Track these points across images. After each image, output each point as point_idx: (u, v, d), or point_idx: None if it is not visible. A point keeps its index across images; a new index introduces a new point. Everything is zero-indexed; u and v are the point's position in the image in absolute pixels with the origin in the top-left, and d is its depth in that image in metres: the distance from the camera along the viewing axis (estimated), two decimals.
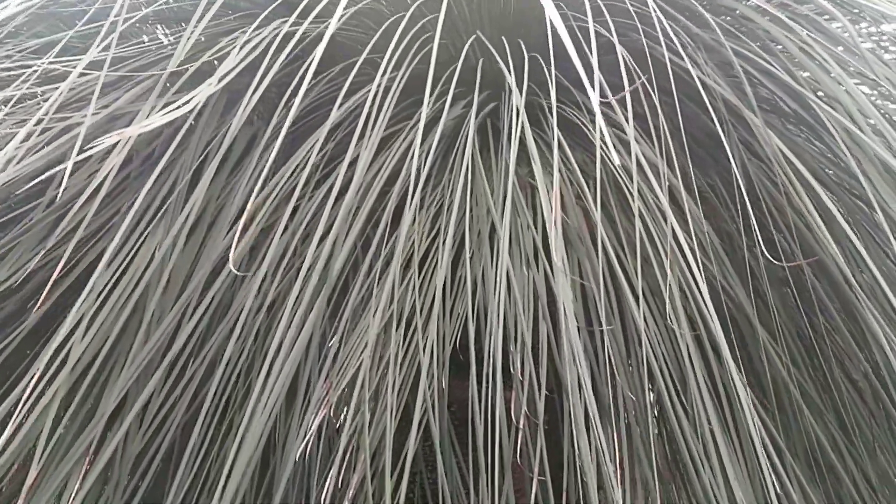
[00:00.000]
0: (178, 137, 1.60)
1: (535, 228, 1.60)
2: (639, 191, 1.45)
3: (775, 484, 1.22)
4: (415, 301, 1.49)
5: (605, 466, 1.26)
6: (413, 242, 1.58)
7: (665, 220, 1.33)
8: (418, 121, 1.51)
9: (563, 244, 1.42)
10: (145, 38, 2.03)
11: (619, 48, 1.31)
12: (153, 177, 1.38)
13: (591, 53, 1.26)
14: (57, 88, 1.33)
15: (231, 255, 1.22)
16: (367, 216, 1.62)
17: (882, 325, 1.29)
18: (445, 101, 1.63)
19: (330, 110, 1.61)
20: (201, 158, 1.67)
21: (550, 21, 1.16)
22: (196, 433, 1.45)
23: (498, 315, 1.36)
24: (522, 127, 1.52)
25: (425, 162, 1.56)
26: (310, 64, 1.35)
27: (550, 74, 1.36)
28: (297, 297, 1.44)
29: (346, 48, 1.86)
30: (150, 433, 1.50)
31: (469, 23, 1.91)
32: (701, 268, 1.29)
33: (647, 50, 1.48)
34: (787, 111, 1.63)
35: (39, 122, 1.26)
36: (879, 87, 1.40)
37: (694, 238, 1.32)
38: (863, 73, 1.46)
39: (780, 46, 1.60)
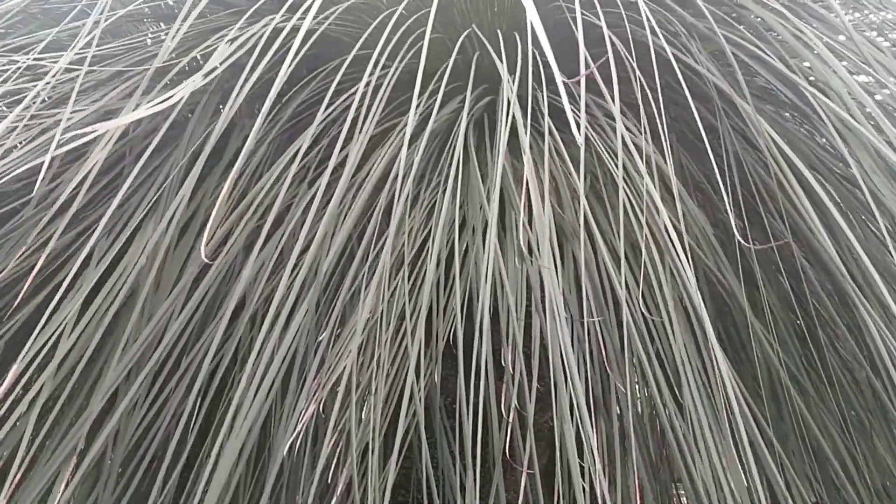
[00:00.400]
0: (169, 135, 1.61)
1: (530, 222, 1.58)
2: (630, 178, 1.44)
3: (765, 471, 1.20)
4: (405, 297, 1.48)
5: (593, 459, 1.24)
6: (408, 237, 1.57)
7: (656, 210, 1.31)
8: (406, 124, 1.50)
9: (551, 235, 1.40)
10: (148, 40, 2.03)
11: (605, 31, 1.29)
12: (135, 173, 1.37)
13: (577, 29, 1.25)
14: (46, 84, 1.33)
15: (203, 245, 1.20)
16: (362, 212, 1.61)
17: (872, 314, 1.26)
18: (439, 97, 1.62)
19: (328, 105, 1.61)
20: (196, 155, 1.67)
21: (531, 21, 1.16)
22: (188, 427, 1.45)
23: (482, 308, 1.34)
24: (514, 120, 1.50)
25: (416, 160, 1.55)
26: (277, 59, 1.34)
27: (526, 63, 1.34)
28: (287, 291, 1.43)
29: (343, 44, 1.86)
30: (141, 430, 1.50)
31: (468, 16, 1.90)
32: (689, 254, 1.27)
33: (645, 40, 1.46)
34: (784, 101, 1.60)
35: (19, 118, 1.26)
36: (878, 73, 1.37)
37: (681, 220, 1.30)
38: (856, 59, 1.43)
39: (777, 35, 1.57)
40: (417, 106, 1.65)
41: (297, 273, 1.43)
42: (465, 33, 1.78)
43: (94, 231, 1.54)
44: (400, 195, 1.45)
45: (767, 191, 1.50)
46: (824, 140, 1.61)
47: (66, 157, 1.56)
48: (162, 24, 2.11)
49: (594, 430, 1.35)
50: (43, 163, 1.12)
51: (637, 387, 1.46)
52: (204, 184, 1.71)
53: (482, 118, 1.84)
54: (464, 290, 1.56)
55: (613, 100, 1.23)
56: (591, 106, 1.69)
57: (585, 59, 1.15)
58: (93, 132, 1.17)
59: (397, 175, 1.51)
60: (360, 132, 1.52)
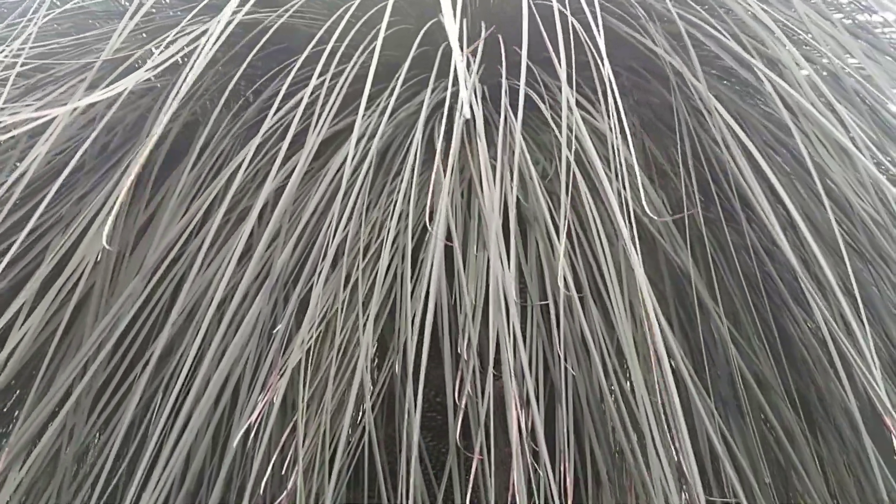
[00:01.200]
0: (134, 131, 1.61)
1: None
2: (589, 160, 1.41)
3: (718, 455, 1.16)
4: (357, 293, 1.48)
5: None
6: (364, 234, 1.57)
7: (600, 186, 1.29)
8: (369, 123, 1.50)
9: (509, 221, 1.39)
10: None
11: (555, 6, 1.27)
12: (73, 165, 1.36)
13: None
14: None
15: (105, 234, 1.19)
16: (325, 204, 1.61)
17: (818, 301, 1.23)
18: (396, 93, 1.61)
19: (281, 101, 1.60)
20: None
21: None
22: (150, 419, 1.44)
23: (430, 297, 1.33)
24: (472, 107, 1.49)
25: (366, 163, 1.55)
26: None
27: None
28: (232, 287, 1.42)
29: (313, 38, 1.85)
30: (98, 427, 1.49)
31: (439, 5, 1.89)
32: (637, 234, 1.25)
33: (608, 24, 1.45)
34: (743, 79, 1.58)
35: None
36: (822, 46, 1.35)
37: (629, 198, 1.28)
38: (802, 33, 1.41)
39: (736, 15, 1.55)
40: (378, 103, 1.65)
41: (246, 261, 1.43)
42: (431, 22, 1.77)
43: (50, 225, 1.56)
44: (346, 203, 1.44)
45: (720, 165, 1.47)
46: (761, 103, 1.59)
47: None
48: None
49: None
50: None
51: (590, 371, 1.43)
52: (169, 178, 1.71)
53: (453, 108, 1.83)
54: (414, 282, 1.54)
55: (560, 62, 1.21)
56: (554, 92, 1.67)
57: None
58: (41, 118, 1.17)
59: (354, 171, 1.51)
60: (313, 131, 1.52)
